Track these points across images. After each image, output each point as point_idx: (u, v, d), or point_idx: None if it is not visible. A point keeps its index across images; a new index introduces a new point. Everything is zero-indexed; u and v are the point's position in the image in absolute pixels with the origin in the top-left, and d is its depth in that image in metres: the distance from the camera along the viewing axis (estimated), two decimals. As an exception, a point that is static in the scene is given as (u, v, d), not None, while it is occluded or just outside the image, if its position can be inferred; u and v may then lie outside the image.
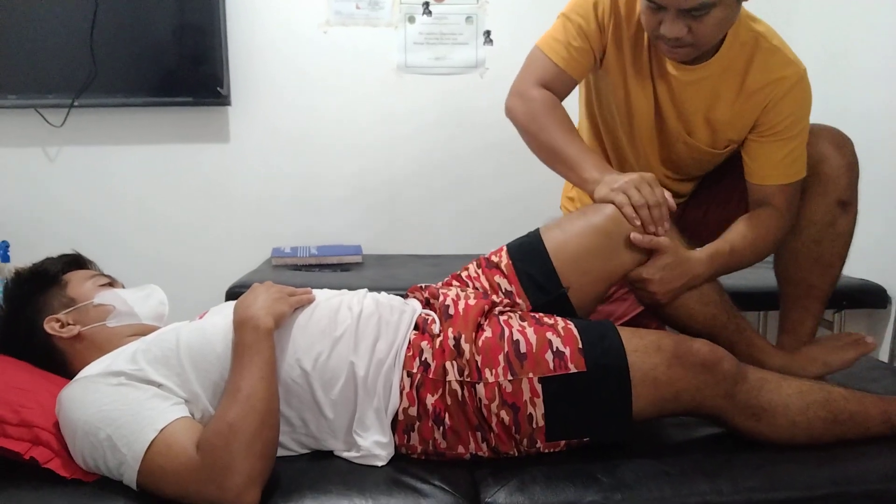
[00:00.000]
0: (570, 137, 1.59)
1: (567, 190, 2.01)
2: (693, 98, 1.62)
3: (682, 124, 1.66)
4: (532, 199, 2.71)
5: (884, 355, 2.34)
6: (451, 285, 1.49)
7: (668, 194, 1.45)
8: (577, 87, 1.76)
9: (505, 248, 1.49)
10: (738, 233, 1.58)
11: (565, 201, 2.01)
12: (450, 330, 1.30)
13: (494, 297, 1.42)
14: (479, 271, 1.49)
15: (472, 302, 1.37)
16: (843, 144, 1.64)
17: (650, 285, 1.44)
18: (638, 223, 1.42)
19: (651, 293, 1.46)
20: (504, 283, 1.45)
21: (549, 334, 1.29)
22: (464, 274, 1.51)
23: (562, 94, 1.67)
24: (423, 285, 1.50)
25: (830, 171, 1.62)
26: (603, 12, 1.62)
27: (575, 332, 1.30)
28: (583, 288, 1.44)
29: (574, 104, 1.87)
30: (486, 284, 1.46)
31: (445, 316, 1.35)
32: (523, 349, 1.27)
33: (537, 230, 1.50)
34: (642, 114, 1.68)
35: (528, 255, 1.46)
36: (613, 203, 1.43)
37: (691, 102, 1.62)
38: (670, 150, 1.73)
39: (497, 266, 1.47)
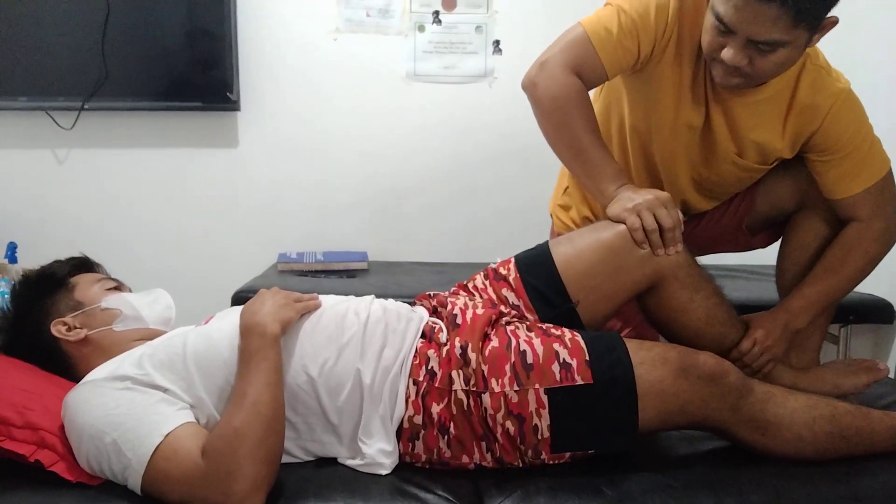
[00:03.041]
0: (595, 139, 1.53)
1: (558, 197, 1.96)
2: (748, 119, 1.57)
3: (735, 145, 1.61)
4: (538, 208, 2.68)
5: (889, 371, 2.32)
6: (459, 295, 1.49)
7: (681, 216, 1.43)
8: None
9: (513, 261, 1.49)
10: (824, 266, 1.61)
11: (557, 209, 1.96)
12: (457, 339, 1.30)
13: (502, 308, 1.42)
14: (487, 283, 1.48)
15: (479, 311, 1.37)
16: None
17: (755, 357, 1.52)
18: (646, 248, 1.41)
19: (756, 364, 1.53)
20: (511, 297, 1.45)
21: (556, 345, 1.29)
22: (470, 285, 1.51)
23: (588, 87, 1.56)
24: (431, 293, 1.50)
25: None
26: (666, 19, 1.51)
27: (582, 343, 1.30)
28: (591, 304, 1.43)
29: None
30: (494, 296, 1.46)
31: (453, 325, 1.34)
32: (530, 360, 1.27)
33: (546, 243, 1.50)
34: (690, 133, 1.62)
35: (537, 268, 1.46)
36: (625, 224, 1.42)
37: (745, 123, 1.58)
38: (713, 170, 1.67)
39: (505, 279, 1.46)
